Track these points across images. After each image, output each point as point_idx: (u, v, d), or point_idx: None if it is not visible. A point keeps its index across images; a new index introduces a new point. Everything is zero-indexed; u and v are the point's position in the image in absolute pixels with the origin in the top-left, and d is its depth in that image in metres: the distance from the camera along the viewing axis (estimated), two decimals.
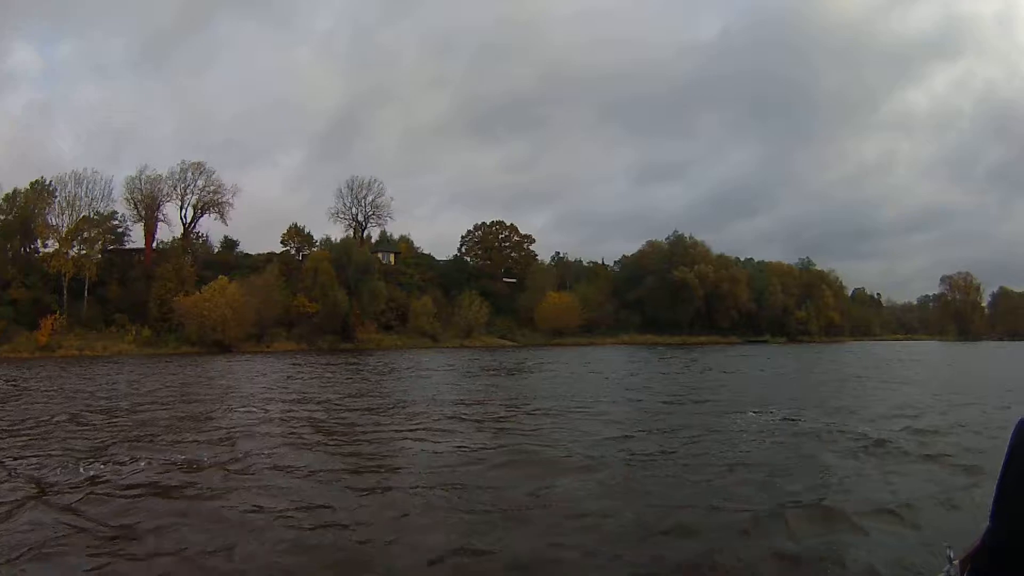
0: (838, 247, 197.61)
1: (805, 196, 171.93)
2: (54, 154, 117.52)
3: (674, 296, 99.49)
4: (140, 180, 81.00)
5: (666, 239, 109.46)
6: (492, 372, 36.59)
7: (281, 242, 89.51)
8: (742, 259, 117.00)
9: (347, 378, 33.05)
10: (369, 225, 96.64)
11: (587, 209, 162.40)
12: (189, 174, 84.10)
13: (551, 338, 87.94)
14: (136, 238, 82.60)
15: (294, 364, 44.85)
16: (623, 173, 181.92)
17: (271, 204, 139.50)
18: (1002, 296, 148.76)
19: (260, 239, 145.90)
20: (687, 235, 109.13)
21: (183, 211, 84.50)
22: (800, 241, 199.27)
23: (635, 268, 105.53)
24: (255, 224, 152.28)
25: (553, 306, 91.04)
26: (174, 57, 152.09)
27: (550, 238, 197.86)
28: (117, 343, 67.03)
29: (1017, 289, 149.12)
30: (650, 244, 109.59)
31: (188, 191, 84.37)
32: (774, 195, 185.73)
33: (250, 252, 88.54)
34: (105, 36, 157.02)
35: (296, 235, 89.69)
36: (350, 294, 78.30)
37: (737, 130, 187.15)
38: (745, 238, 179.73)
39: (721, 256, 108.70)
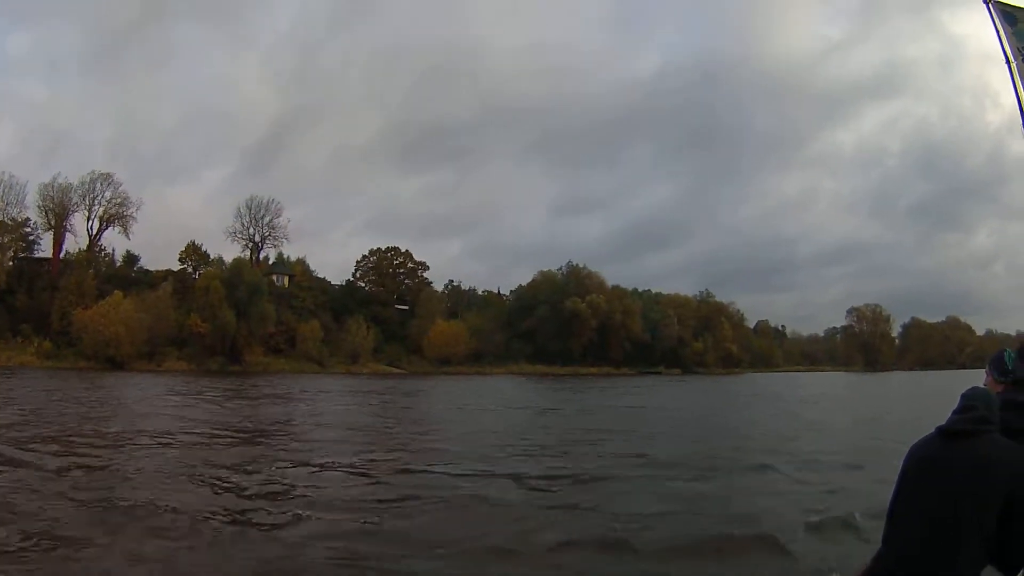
0: (751, 280, 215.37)
1: (722, 230, 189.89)
2: None
3: (566, 326, 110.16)
4: (52, 188, 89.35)
5: (559, 269, 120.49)
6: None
7: (179, 260, 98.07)
8: (643, 291, 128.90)
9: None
10: (265, 246, 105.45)
11: (502, 239, 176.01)
12: (98, 185, 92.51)
13: (439, 366, 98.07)
14: (46, 247, 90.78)
15: (149, 390, 45.25)
16: (542, 204, 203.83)
17: (192, 219, 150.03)
18: (913, 326, 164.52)
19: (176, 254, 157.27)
20: (582, 265, 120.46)
21: (90, 222, 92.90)
22: (712, 273, 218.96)
23: (528, 298, 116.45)
24: (174, 239, 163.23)
25: (441, 334, 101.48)
26: (123, 60, 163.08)
27: (462, 267, 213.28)
28: (20, 354, 75.03)
29: (931, 320, 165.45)
30: (543, 274, 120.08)
31: (96, 202, 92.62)
32: (690, 229, 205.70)
33: (150, 268, 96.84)
34: (62, 33, 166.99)
35: (194, 253, 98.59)
36: (239, 316, 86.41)
37: (659, 165, 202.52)
38: (657, 270, 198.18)
39: (616, 287, 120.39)
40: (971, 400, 3.90)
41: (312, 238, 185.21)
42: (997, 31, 8.68)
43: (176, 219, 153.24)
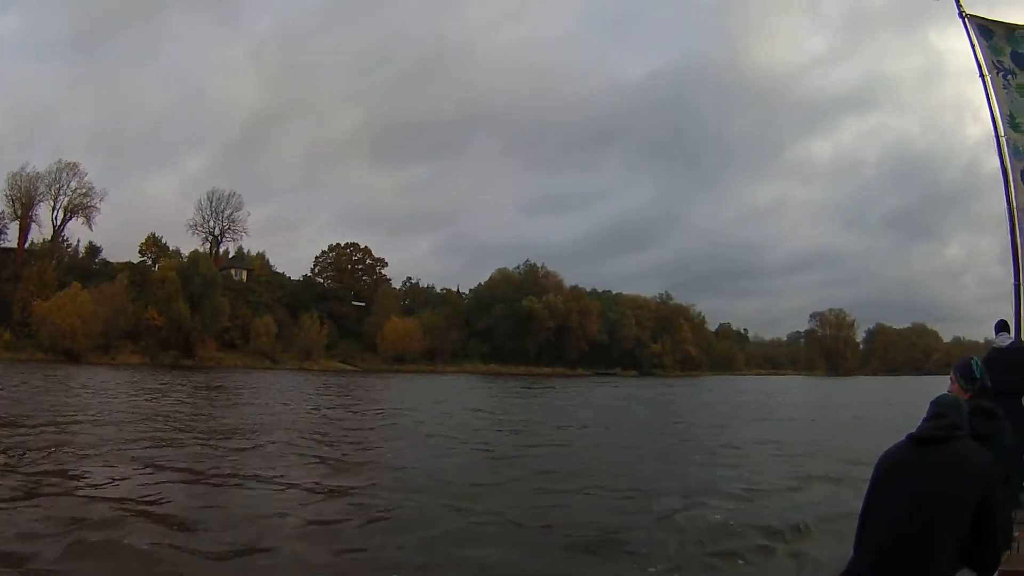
0: (719, 284, 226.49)
1: (692, 234, 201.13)
2: None
3: (522, 326, 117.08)
4: (21, 177, 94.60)
5: (516, 268, 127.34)
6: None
7: (139, 252, 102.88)
8: (603, 291, 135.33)
9: None
10: (224, 240, 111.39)
11: (475, 238, 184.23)
12: (64, 175, 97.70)
13: (392, 364, 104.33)
14: (13, 237, 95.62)
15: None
16: (517, 204, 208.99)
17: (168, 210, 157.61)
18: (878, 332, 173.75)
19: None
20: (540, 265, 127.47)
21: (55, 212, 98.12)
22: (681, 277, 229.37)
23: (486, 297, 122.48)
24: (148, 231, 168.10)
25: (395, 331, 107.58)
26: (110, 46, 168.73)
27: (434, 264, 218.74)
28: None
29: (898, 326, 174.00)
30: (500, 272, 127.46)
31: (61, 192, 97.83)
32: (662, 232, 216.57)
33: (111, 260, 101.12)
34: (50, 14, 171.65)
35: (153, 245, 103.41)
36: (194, 309, 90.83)
37: (635, 167, 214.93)
38: (627, 273, 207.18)
39: (574, 287, 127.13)
40: (941, 407, 4.24)
41: (286, 232, 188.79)
42: (972, 45, 9.67)
43: (151, 210, 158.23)
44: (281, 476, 16.06)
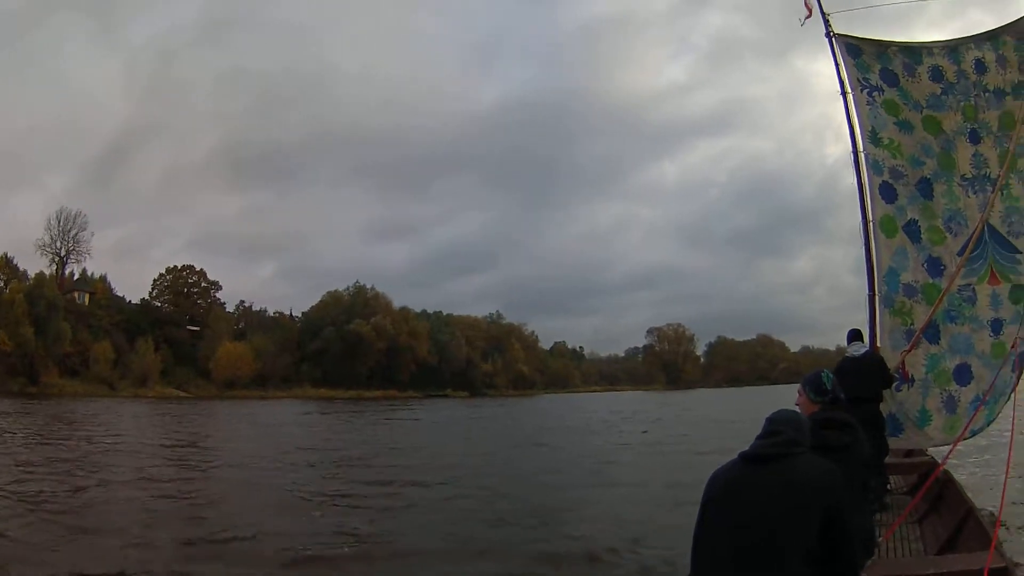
0: (557, 304, 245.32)
1: (535, 256, 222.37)
2: None
3: (351, 349, 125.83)
4: None
5: (346, 290, 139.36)
6: None
7: None
8: (433, 312, 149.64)
9: None
10: (70, 261, 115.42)
11: (318, 263, 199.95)
12: None
13: (224, 390, 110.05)
14: None
15: None
16: (361, 229, 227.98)
17: (33, 229, 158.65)
18: (719, 345, 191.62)
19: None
20: (369, 287, 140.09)
21: None
22: (519, 298, 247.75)
23: (316, 320, 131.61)
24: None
25: (227, 356, 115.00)
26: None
27: (275, 289, 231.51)
28: None
29: (743, 338, 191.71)
30: (330, 295, 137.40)
31: None
32: (504, 255, 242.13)
33: None
34: None
35: (5, 267, 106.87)
36: (38, 334, 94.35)
37: (481, 192, 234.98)
38: (467, 295, 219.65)
39: (403, 309, 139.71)
40: (777, 424, 4.27)
41: (140, 253, 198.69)
42: (836, 63, 10.88)
43: (16, 229, 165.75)
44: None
